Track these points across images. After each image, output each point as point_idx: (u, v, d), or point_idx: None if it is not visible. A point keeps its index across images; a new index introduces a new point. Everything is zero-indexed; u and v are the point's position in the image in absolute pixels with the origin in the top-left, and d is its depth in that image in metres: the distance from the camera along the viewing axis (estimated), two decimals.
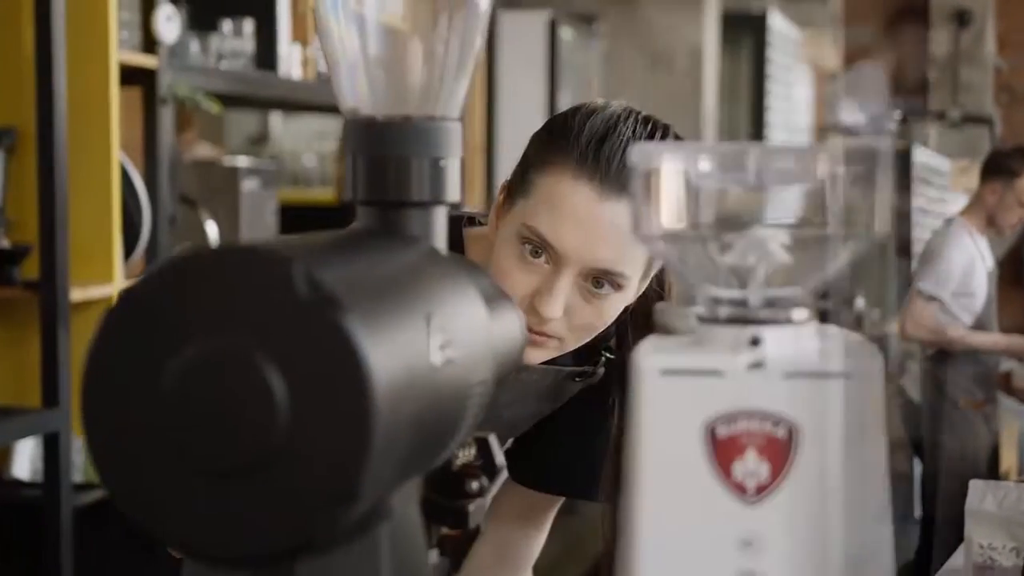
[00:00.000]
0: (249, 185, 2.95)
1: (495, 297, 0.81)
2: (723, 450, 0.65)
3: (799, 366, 0.65)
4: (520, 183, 1.26)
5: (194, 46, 2.82)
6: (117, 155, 2.41)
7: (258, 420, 0.58)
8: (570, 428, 1.40)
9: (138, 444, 0.60)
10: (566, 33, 5.07)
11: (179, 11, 2.75)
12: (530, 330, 1.22)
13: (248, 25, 2.95)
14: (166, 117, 2.58)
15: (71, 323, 2.28)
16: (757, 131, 7.23)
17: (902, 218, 6.82)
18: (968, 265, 4.24)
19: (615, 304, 1.25)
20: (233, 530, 0.59)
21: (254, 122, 5.50)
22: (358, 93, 0.77)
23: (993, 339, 4.38)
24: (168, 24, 2.54)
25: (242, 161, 3.05)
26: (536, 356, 1.26)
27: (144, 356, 0.60)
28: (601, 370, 1.38)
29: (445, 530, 0.88)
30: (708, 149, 0.67)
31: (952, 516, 4.16)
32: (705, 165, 0.68)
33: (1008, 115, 9.60)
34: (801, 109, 8.57)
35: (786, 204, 0.72)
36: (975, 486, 2.02)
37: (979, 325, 4.28)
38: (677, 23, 5.33)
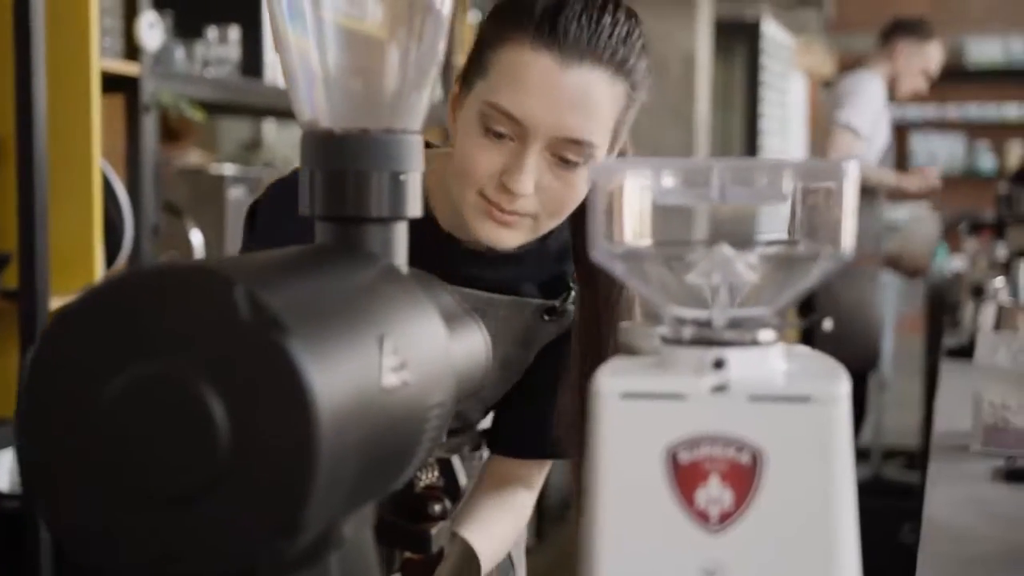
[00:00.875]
0: (236, 193, 2.92)
1: (457, 315, 0.79)
2: (685, 476, 0.63)
3: (764, 389, 0.63)
4: (476, 66, 1.24)
5: (179, 53, 2.79)
6: (99, 163, 2.38)
7: (198, 446, 0.56)
8: (542, 389, 1.39)
9: (74, 468, 0.58)
10: None
11: (164, 18, 2.72)
12: (502, 210, 1.21)
13: (234, 32, 2.93)
14: (149, 125, 2.55)
15: None
16: (751, 138, 7.21)
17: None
18: (879, 109, 4.38)
19: (585, 176, 1.22)
20: (172, 560, 0.57)
21: (247, 129, 5.48)
22: (316, 105, 0.75)
23: (895, 175, 4.65)
24: (151, 31, 2.52)
25: (229, 169, 3.03)
26: (511, 237, 1.24)
27: (81, 378, 0.58)
28: (571, 307, 1.37)
29: (408, 554, 0.86)
30: (670, 165, 0.65)
31: (853, 367, 4.31)
32: (668, 182, 0.65)
33: None
34: (795, 115, 8.55)
35: (752, 220, 0.70)
36: (984, 340, 1.89)
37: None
38: (670, 30, 5.31)
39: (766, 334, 0.66)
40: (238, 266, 0.60)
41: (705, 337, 0.65)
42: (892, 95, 4.48)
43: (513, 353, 1.38)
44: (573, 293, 1.37)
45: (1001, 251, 4.01)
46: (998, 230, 4.26)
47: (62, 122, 2.33)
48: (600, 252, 0.66)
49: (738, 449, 0.63)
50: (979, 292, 3.11)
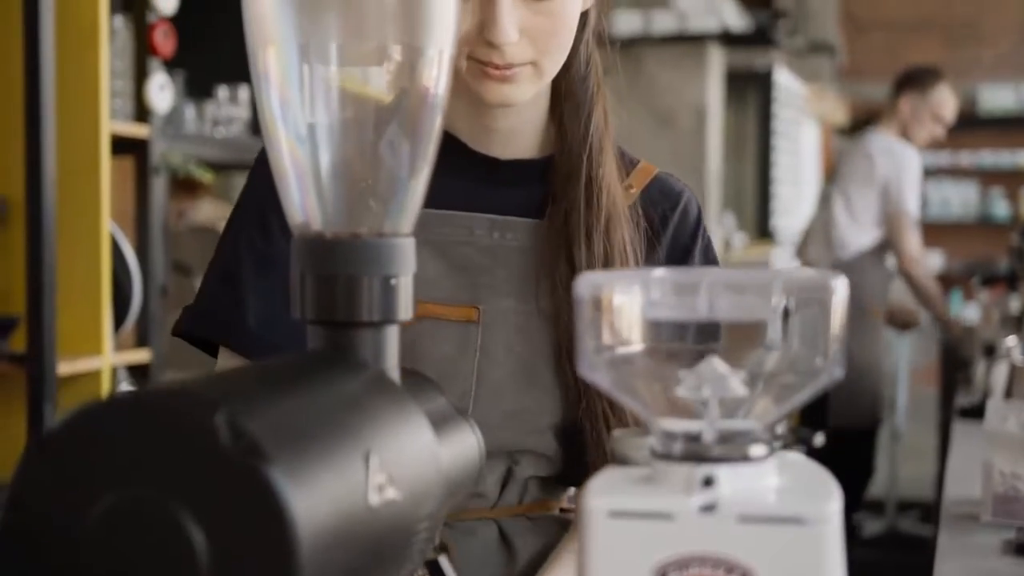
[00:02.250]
0: None
1: (447, 418, 0.78)
2: None
3: (754, 509, 0.62)
4: None
5: (189, 113, 2.81)
6: (107, 226, 2.39)
7: (178, 574, 0.55)
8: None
9: None
10: None
11: (175, 78, 2.74)
12: (496, 67, 1.15)
13: (244, 91, 2.95)
14: (158, 186, 2.56)
15: (58, 397, 2.25)
16: (763, 187, 7.21)
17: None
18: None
19: (567, 2, 1.16)
20: None
21: None
22: (307, 208, 0.75)
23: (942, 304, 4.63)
24: (161, 93, 2.53)
25: None
26: (517, 92, 1.18)
27: (62, 503, 0.57)
28: None
29: None
30: (658, 279, 0.65)
31: (858, 424, 4.30)
32: (656, 295, 0.65)
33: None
34: (808, 163, 8.55)
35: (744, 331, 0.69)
36: (994, 406, 1.87)
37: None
38: (681, 83, 5.33)
39: (757, 449, 0.65)
40: (220, 387, 0.59)
41: (695, 452, 0.65)
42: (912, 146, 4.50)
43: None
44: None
45: (1015, 304, 3.99)
46: (1011, 282, 4.25)
47: (71, 185, 2.34)
48: (586, 364, 0.66)
49: (728, 570, 0.62)
50: (991, 351, 3.09)
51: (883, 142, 4.43)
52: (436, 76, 0.76)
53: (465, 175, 1.26)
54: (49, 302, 2.25)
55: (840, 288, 0.63)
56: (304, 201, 0.75)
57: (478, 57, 1.16)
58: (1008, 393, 2.71)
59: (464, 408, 1.19)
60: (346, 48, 0.73)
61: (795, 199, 7.89)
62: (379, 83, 0.75)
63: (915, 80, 4.47)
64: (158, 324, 2.53)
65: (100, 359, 2.39)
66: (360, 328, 0.73)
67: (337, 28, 0.73)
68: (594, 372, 0.66)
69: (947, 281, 9.68)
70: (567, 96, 1.27)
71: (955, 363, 4.44)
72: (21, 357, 2.26)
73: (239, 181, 4.90)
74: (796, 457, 0.70)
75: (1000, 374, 2.81)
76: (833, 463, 3.61)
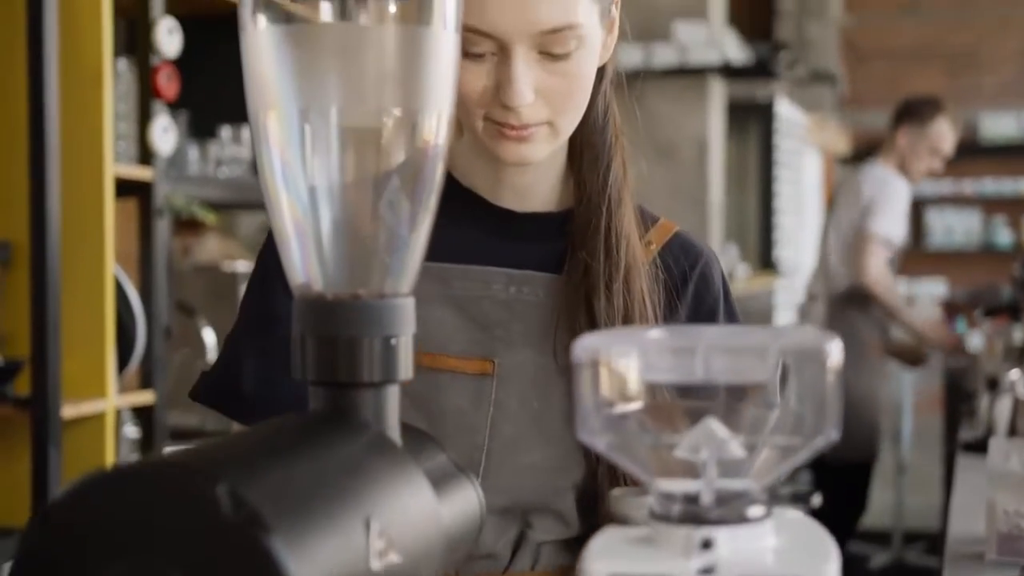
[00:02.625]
0: None
1: (448, 475, 0.79)
2: None
3: (753, 571, 0.63)
4: None
5: (192, 153, 2.82)
6: (111, 268, 2.40)
7: None
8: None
9: None
10: None
11: (178, 119, 2.76)
12: (513, 127, 1.14)
13: (246, 131, 2.96)
14: (162, 228, 2.57)
15: (63, 440, 2.26)
16: (766, 218, 7.23)
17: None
18: (907, 208, 4.43)
19: (584, 61, 1.15)
20: None
21: (265, 214, 5.51)
22: (308, 269, 0.76)
23: (920, 323, 4.60)
24: (164, 136, 2.55)
25: (242, 266, 3.05)
26: (534, 151, 1.16)
27: (64, 574, 0.58)
28: None
29: None
30: (655, 343, 0.65)
31: (853, 458, 4.26)
32: (652, 358, 0.65)
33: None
34: (810, 193, 8.57)
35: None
36: (996, 444, 1.86)
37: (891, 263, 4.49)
38: (682, 115, 5.35)
39: (755, 510, 0.66)
40: (221, 456, 0.60)
41: (693, 515, 0.65)
42: (908, 179, 4.49)
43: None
44: None
45: (1018, 334, 3.98)
46: (1014, 313, 4.24)
47: (76, 228, 2.35)
48: (584, 426, 0.66)
49: None
50: (994, 384, 3.09)
51: (876, 172, 4.44)
52: (435, 137, 0.77)
53: (483, 229, 1.25)
54: (54, 345, 2.25)
55: (835, 351, 0.63)
56: (305, 262, 0.76)
57: (494, 118, 1.15)
58: (1012, 429, 2.71)
59: (477, 462, 1.18)
60: (346, 112, 0.74)
61: (798, 229, 7.91)
62: (379, 145, 0.76)
63: (913, 112, 4.46)
64: (162, 365, 2.54)
65: (104, 401, 2.39)
66: (361, 389, 0.74)
67: (337, 92, 0.74)
68: (592, 435, 0.66)
69: (951, 309, 9.71)
70: (585, 148, 1.26)
71: (959, 394, 4.44)
72: (26, 400, 2.26)
73: (243, 219, 4.92)
74: (794, 515, 0.71)
75: (1004, 408, 2.81)
76: (829, 495, 3.60)
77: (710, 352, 0.65)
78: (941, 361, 5.07)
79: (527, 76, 1.12)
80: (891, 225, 4.35)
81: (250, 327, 1.25)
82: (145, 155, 2.57)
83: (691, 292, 1.28)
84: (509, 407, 1.19)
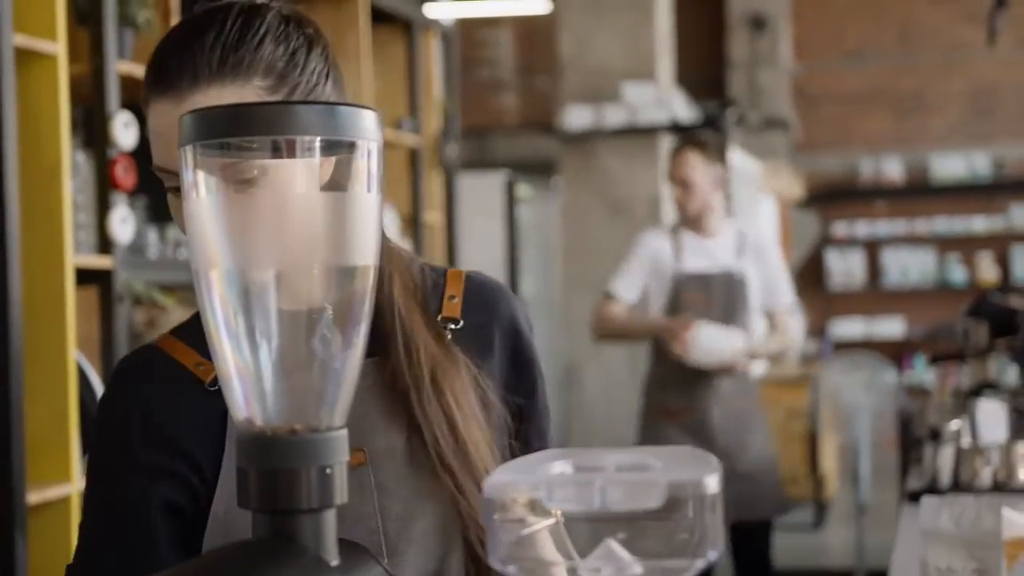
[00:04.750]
0: None
1: None
2: None
3: None
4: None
5: (152, 237, 2.90)
6: (73, 355, 2.47)
7: None
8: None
9: None
10: (524, 190, 5.18)
11: (136, 205, 2.83)
12: None
13: None
14: (122, 314, 2.65)
15: (28, 526, 2.32)
16: None
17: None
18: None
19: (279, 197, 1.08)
20: None
21: None
22: (249, 406, 0.84)
23: (648, 319, 4.08)
24: (123, 225, 2.63)
25: None
26: None
27: None
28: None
29: None
30: (557, 479, 0.74)
31: (753, 517, 4.10)
32: (555, 492, 0.74)
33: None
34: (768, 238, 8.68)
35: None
36: (928, 503, 1.92)
37: None
38: (634, 173, 5.47)
39: None
40: None
41: None
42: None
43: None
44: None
45: (965, 380, 4.07)
46: (962, 357, 4.34)
47: (37, 317, 2.42)
48: (495, 554, 0.74)
49: None
50: (936, 434, 3.17)
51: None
52: (363, 282, 0.85)
53: None
54: (18, 432, 2.32)
55: (712, 484, 0.72)
56: (246, 400, 0.84)
57: None
58: (955, 480, 2.79)
59: (378, 545, 1.23)
60: (281, 271, 0.83)
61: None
62: (311, 292, 0.85)
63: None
64: None
65: (70, 486, 2.45)
66: (300, 515, 0.82)
67: (271, 255, 0.82)
68: (504, 563, 0.74)
69: (909, 346, 9.87)
70: None
71: (909, 438, 4.50)
72: None
73: None
74: None
75: (946, 458, 2.89)
76: (737, 556, 3.60)
77: (607, 484, 0.74)
78: (893, 402, 5.16)
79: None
80: (619, 280, 4.08)
81: (107, 511, 1.26)
82: (104, 244, 2.64)
83: (497, 333, 1.33)
84: (390, 487, 1.25)
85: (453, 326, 1.30)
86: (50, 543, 2.41)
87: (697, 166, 3.95)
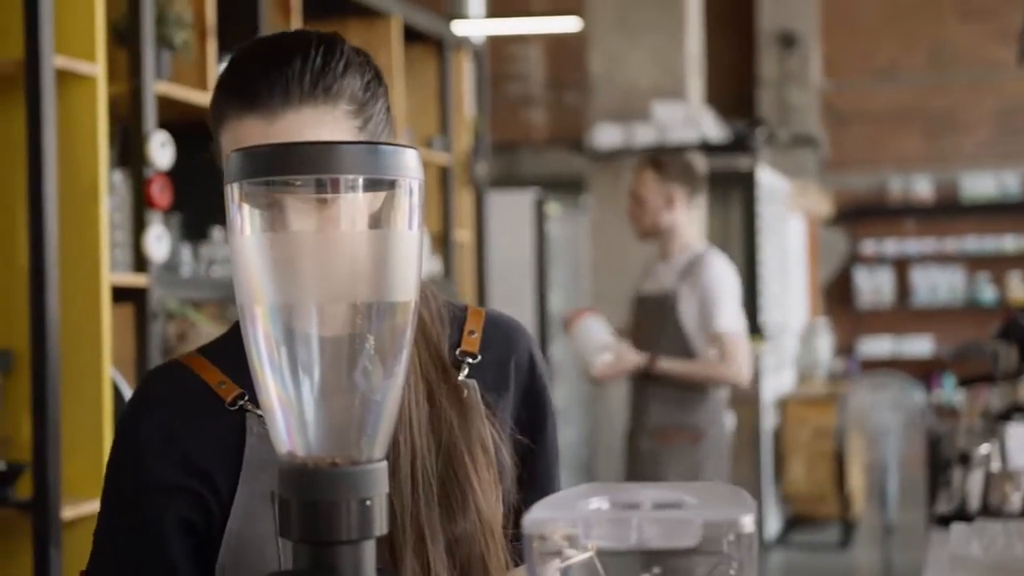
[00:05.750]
0: None
1: None
2: None
3: None
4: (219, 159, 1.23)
5: (186, 255, 2.93)
6: (109, 373, 2.50)
7: None
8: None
9: None
10: (553, 208, 5.20)
11: (172, 223, 2.86)
12: None
13: None
14: (156, 331, 2.68)
15: (63, 542, 2.35)
16: (750, 282, 7.32)
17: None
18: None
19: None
20: None
21: None
22: (292, 439, 0.86)
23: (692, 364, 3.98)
24: (158, 244, 2.66)
25: None
26: None
27: None
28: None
29: None
30: (594, 515, 0.75)
31: None
32: (592, 530, 0.75)
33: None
34: (795, 257, 8.69)
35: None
36: (958, 530, 1.93)
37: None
38: None
39: None
40: None
41: None
42: None
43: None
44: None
45: (995, 402, 4.05)
46: (992, 379, 4.32)
47: (74, 335, 2.45)
48: None
49: None
50: (966, 458, 3.16)
51: None
52: (404, 317, 0.87)
53: None
54: (54, 449, 2.35)
55: (748, 523, 0.73)
56: (289, 433, 0.86)
57: None
58: (984, 505, 2.78)
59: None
60: (324, 307, 0.85)
61: (783, 294, 8.02)
62: (353, 327, 0.87)
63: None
64: None
65: None
66: (340, 546, 0.84)
67: (315, 291, 0.84)
68: None
69: (938, 365, 9.82)
70: None
71: (939, 459, 4.49)
72: (27, 504, 2.35)
73: (235, 311, 5.02)
74: None
75: (976, 483, 2.88)
76: None
77: (643, 522, 0.75)
78: (921, 421, 5.15)
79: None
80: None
81: (121, 525, 1.27)
82: (140, 262, 2.67)
83: (514, 370, 1.34)
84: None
85: (471, 360, 1.32)
86: (85, 558, 2.43)
87: (648, 183, 4.03)
